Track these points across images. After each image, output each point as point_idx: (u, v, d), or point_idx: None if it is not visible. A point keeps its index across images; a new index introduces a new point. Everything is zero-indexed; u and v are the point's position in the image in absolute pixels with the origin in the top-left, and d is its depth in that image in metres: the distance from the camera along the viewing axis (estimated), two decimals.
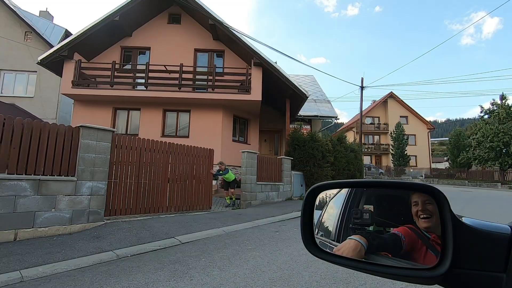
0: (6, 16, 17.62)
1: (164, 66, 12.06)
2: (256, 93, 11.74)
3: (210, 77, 12.00)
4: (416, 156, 36.85)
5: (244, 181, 9.11)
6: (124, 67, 12.92)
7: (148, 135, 12.47)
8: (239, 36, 11.61)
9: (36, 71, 16.43)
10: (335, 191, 0.71)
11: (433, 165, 38.58)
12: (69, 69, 11.73)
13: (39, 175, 4.84)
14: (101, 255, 4.13)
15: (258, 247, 4.74)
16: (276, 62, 11.91)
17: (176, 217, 6.71)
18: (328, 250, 0.63)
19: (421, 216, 0.52)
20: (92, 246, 4.41)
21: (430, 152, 39.26)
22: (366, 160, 33.50)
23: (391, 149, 34.74)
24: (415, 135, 37.65)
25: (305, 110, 15.36)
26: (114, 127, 12.46)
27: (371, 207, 0.62)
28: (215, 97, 11.83)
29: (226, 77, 12.33)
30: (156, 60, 12.60)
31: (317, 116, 15.25)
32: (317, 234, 0.67)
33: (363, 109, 21.81)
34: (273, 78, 12.03)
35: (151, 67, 12.11)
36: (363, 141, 25.15)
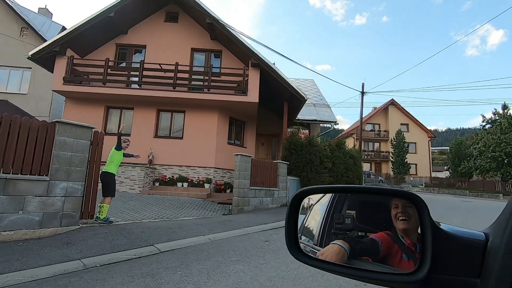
0: (3, 11, 17.38)
1: (159, 64, 11.72)
2: (253, 95, 11.37)
3: (206, 77, 11.65)
4: (416, 164, 36.39)
5: (237, 186, 8.68)
6: (118, 65, 12.56)
7: (141, 136, 12.14)
8: (236, 35, 11.28)
9: (31, 68, 16.11)
10: (319, 196, 0.71)
11: (433, 174, 38.09)
12: (61, 65, 11.38)
13: (8, 173, 4.44)
14: (66, 264, 3.70)
15: (244, 259, 4.31)
16: (274, 64, 11.56)
17: (160, 222, 6.28)
18: (311, 255, 0.62)
19: (400, 218, 0.53)
20: (59, 254, 3.97)
21: (431, 160, 38.81)
22: (366, 167, 33.04)
23: (391, 157, 34.30)
24: (415, 143, 37.24)
25: (304, 114, 14.99)
26: (106, 126, 12.08)
27: (353, 213, 0.62)
28: (210, 97, 11.46)
29: (223, 78, 11.98)
30: (152, 58, 12.26)
31: (316, 120, 14.86)
32: (300, 239, 0.66)
33: (363, 116, 21.45)
34: (271, 80, 11.68)
35: (145, 66, 11.77)
36: (363, 148, 24.76)
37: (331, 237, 0.61)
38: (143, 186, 10.58)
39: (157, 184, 11.41)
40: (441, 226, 0.49)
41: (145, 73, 11.66)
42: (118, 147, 5.77)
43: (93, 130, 5.52)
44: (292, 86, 11.13)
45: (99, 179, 5.70)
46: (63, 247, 4.23)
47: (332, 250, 0.57)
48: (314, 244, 0.65)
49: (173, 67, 11.55)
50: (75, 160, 5.10)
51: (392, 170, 33.83)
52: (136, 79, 11.60)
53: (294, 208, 0.67)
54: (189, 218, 7.21)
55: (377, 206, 0.61)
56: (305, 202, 0.70)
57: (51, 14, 22.52)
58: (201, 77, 11.97)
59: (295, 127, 13.88)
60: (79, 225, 5.13)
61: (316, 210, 0.69)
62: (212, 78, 11.71)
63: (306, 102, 14.17)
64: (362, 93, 19.46)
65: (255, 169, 9.40)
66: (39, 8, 22.21)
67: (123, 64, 12.88)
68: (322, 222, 0.66)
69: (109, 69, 11.68)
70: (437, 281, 0.46)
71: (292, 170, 11.49)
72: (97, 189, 5.65)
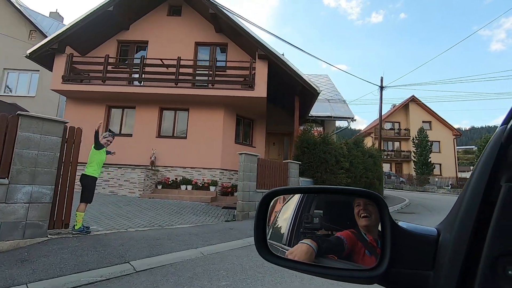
0: (12, 15, 17.38)
1: (161, 60, 11.03)
2: (260, 89, 10.44)
3: (211, 72, 10.84)
4: (440, 164, 34.09)
5: (241, 188, 7.75)
6: (119, 62, 11.97)
7: (143, 136, 11.47)
8: (241, 25, 10.40)
9: (38, 70, 15.92)
10: (289, 197, 0.71)
11: (459, 175, 35.61)
12: (60, 64, 10.92)
13: None
14: None
15: (236, 283, 3.36)
16: (283, 54, 10.59)
17: (149, 231, 5.44)
18: (280, 255, 0.63)
19: (362, 215, 0.56)
20: (3, 276, 3.18)
21: (456, 160, 36.34)
22: (386, 167, 31.18)
23: (413, 156, 32.27)
24: (439, 141, 34.94)
25: (318, 111, 13.90)
26: (107, 126, 11.50)
27: (321, 212, 0.64)
28: (215, 93, 10.62)
29: (228, 72, 11.12)
30: (155, 54, 11.58)
31: (330, 116, 13.72)
32: (271, 239, 0.66)
33: (382, 114, 20.00)
34: (281, 73, 10.70)
35: (147, 61, 11.12)
36: (382, 147, 23.23)
37: (299, 237, 0.62)
38: (143, 189, 9.86)
39: (159, 187, 10.68)
40: (399, 223, 0.51)
41: (146, 69, 11.01)
42: (97, 146, 4.97)
43: (66, 125, 4.75)
44: (303, 77, 10.11)
45: (79, 182, 4.93)
46: (15, 266, 3.45)
47: (300, 249, 0.58)
48: (283, 244, 0.65)
49: (175, 62, 10.82)
50: (42, 160, 4.34)
51: (414, 171, 31.79)
52: (137, 75, 10.97)
53: (263, 210, 0.66)
54: (185, 225, 6.34)
55: (342, 205, 0.63)
56: (274, 203, 0.69)
57: (62, 18, 22.59)
58: (206, 71, 11.17)
59: (308, 124, 12.79)
60: (47, 237, 4.36)
61: (285, 211, 0.69)
62: (217, 72, 10.89)
63: (320, 98, 13.10)
64: (381, 87, 18.09)
65: (262, 170, 8.44)
66: (50, 12, 22.34)
67: (125, 61, 12.30)
68: (291, 222, 0.66)
69: (109, 66, 11.12)
70: (395, 275, 0.48)
71: (305, 170, 10.45)
72: (73, 193, 4.88)
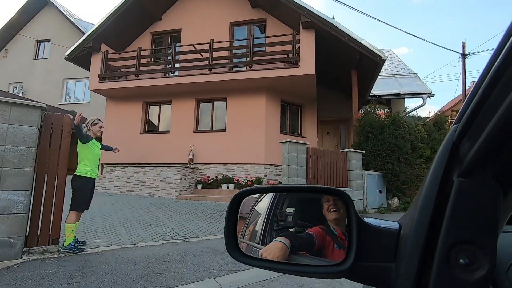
0: (64, 26, 18.38)
1: (193, 45, 9.92)
2: (307, 65, 8.55)
3: (248, 53, 9.33)
4: None
5: None
6: (153, 53, 11.23)
7: (180, 131, 10.50)
8: None
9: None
10: (262, 196, 0.70)
11: None
12: (96, 63, 10.64)
13: None
14: None
15: None
16: (333, 18, 8.51)
17: (161, 248, 4.12)
18: (253, 255, 0.61)
19: (331, 210, 0.57)
20: None
21: None
22: None
23: None
24: None
25: (381, 88, 11.35)
26: (145, 125, 10.89)
27: (293, 210, 0.63)
28: (254, 76, 9.08)
29: (268, 50, 9.46)
30: (188, 42, 10.57)
31: (399, 94, 11.03)
32: (243, 239, 0.66)
33: (466, 88, 16.04)
34: (331, 42, 8.67)
35: (179, 49, 10.15)
36: None
37: (273, 235, 0.62)
38: (180, 190, 8.84)
39: (199, 186, 9.58)
40: (364, 219, 0.53)
41: (179, 58, 10.05)
42: (82, 139, 3.80)
43: (44, 111, 3.67)
44: (361, 42, 7.90)
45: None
46: None
47: (275, 247, 0.58)
48: (257, 243, 0.64)
49: (207, 46, 9.60)
50: (11, 158, 3.31)
51: None
52: (169, 66, 10.06)
53: (234, 210, 0.64)
54: (213, 237, 4.91)
55: (312, 203, 0.64)
56: (246, 203, 0.67)
57: None
58: (243, 51, 9.68)
59: (370, 106, 10.37)
60: (21, 258, 3.31)
61: (258, 210, 0.68)
62: (256, 52, 9.34)
63: (383, 73, 10.61)
64: (463, 55, 14.39)
65: (313, 162, 6.62)
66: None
67: (158, 52, 11.57)
68: (264, 221, 0.65)
69: (143, 60, 10.46)
70: (361, 268, 0.49)
71: (370, 161, 8.24)
72: (63, 199, 3.81)
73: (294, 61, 8.82)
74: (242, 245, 0.64)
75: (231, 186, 9.29)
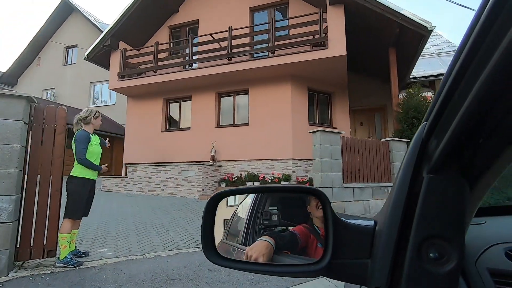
0: (93, 33, 18.72)
1: (210, 35, 9.30)
2: (337, 46, 7.56)
3: (270, 38, 8.51)
4: None
5: (319, 183, 5.18)
6: (171, 47, 10.77)
7: (201, 127, 9.93)
8: None
9: None
10: (243, 196, 0.68)
11: None
12: (115, 61, 10.41)
13: None
14: None
15: None
16: None
17: (173, 259, 3.47)
18: (235, 257, 0.60)
19: (320, 207, 0.55)
20: None
21: None
22: None
23: None
24: None
25: (423, 69, 9.99)
26: (167, 123, 10.50)
27: (276, 209, 0.63)
28: (277, 62, 8.24)
29: (292, 32, 8.57)
30: (206, 32, 9.97)
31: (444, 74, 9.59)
32: (226, 240, 0.64)
33: None
34: (364, 19, 7.61)
35: (196, 41, 9.60)
36: None
37: (256, 234, 0.60)
38: (202, 189, 8.28)
39: (223, 185, 8.98)
40: (340, 218, 0.52)
41: (196, 49, 9.49)
42: (81, 136, 3.22)
43: (32, 103, 3.15)
44: (400, 13, 6.74)
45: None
46: None
47: (261, 246, 0.56)
48: (239, 244, 0.62)
49: (226, 35, 8.92)
50: None
51: None
52: (188, 59, 9.52)
53: (211, 212, 0.61)
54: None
55: (295, 201, 0.63)
56: (226, 204, 0.65)
57: None
58: (265, 37, 8.87)
59: (410, 90, 9.05)
60: (7, 275, 2.81)
61: (240, 211, 0.66)
62: (278, 37, 8.50)
63: (424, 53, 9.30)
64: None
65: (350, 155, 5.67)
66: None
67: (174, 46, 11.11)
68: (247, 221, 0.63)
69: (161, 55, 10.04)
70: (338, 265, 0.50)
71: None
72: (59, 205, 3.29)
73: (321, 43, 7.86)
74: (225, 246, 0.62)
75: (257, 183, 8.56)
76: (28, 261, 3.14)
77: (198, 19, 10.67)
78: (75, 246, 3.41)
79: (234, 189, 0.64)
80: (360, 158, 5.97)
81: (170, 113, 10.72)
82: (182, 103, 10.53)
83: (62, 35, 19.09)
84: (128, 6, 9.86)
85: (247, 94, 9.53)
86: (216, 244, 0.59)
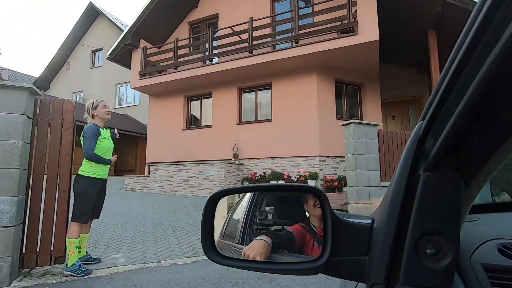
0: (118, 35, 19.12)
1: (230, 27, 8.91)
2: (368, 31, 6.88)
3: (293, 27, 7.96)
4: None
5: (353, 181, 4.59)
6: (191, 43, 10.52)
7: (222, 125, 9.56)
8: None
9: None
10: (240, 196, 0.70)
11: None
12: (136, 59, 10.36)
13: None
14: None
15: None
16: None
17: (193, 268, 3.09)
18: (233, 255, 0.60)
19: (317, 206, 0.55)
20: None
21: None
22: None
23: None
24: None
25: None
26: (187, 121, 10.29)
27: (272, 208, 0.63)
28: (302, 52, 7.68)
29: (317, 19, 7.95)
30: (226, 26, 9.61)
31: None
32: (223, 239, 0.64)
33: None
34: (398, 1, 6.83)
35: (216, 35, 9.26)
36: None
37: (253, 234, 0.61)
38: None
39: (246, 184, 8.58)
40: (338, 216, 0.53)
41: (216, 43, 9.15)
42: (89, 130, 2.93)
43: (36, 95, 2.88)
44: None
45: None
46: None
47: (258, 245, 0.56)
48: (236, 243, 0.63)
49: (246, 26, 8.49)
50: None
51: None
52: (208, 54, 9.21)
53: (210, 211, 0.61)
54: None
55: (291, 200, 0.64)
56: (224, 203, 0.64)
57: None
58: (288, 26, 8.32)
59: None
60: (9, 285, 2.54)
61: (237, 210, 0.67)
62: (302, 26, 7.92)
63: None
64: None
65: (387, 150, 5.01)
66: None
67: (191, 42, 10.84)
68: (244, 221, 0.64)
69: (181, 51, 9.82)
70: (336, 263, 0.50)
71: None
72: (68, 207, 3.01)
73: (350, 28, 7.19)
74: (222, 245, 0.62)
75: (281, 183, 8.06)
76: (36, 267, 2.89)
77: (218, 13, 10.33)
78: (86, 252, 3.12)
79: (233, 188, 0.65)
80: (398, 154, 5.28)
81: (191, 111, 10.49)
82: (203, 100, 10.26)
83: (89, 38, 19.67)
84: (147, 4, 9.73)
85: (269, 88, 9.05)
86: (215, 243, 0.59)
